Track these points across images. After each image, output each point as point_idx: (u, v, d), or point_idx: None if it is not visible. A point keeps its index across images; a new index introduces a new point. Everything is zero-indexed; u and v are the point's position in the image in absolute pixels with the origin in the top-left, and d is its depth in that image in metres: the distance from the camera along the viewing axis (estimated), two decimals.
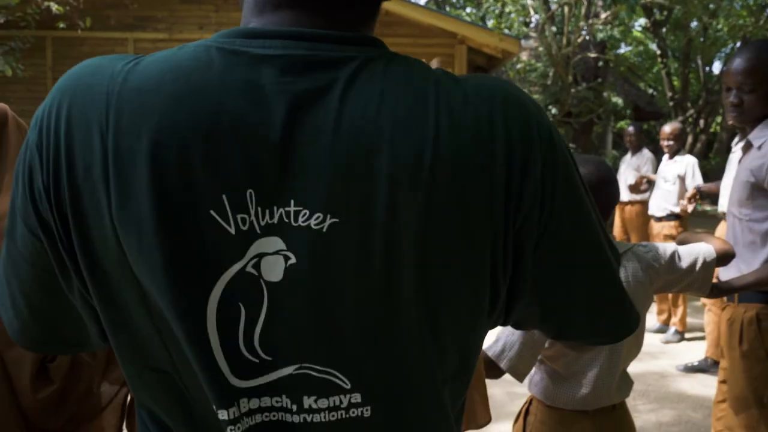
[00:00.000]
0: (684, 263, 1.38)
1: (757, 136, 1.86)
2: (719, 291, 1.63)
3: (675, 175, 4.45)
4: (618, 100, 12.83)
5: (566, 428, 1.45)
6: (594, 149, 12.65)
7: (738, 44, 14.43)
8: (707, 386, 3.50)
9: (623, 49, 15.06)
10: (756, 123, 1.88)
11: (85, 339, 0.62)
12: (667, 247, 1.44)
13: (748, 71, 1.80)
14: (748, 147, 1.91)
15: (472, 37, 8.37)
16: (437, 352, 0.57)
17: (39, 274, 0.57)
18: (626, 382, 1.48)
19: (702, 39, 14.33)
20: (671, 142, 4.57)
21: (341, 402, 0.55)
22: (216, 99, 0.51)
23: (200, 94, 0.51)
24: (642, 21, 14.46)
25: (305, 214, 0.51)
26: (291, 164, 0.51)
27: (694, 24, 13.62)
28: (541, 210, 0.56)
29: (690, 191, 4.12)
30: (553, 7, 10.81)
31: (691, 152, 12.88)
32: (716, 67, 15.66)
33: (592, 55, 11.91)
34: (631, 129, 5.90)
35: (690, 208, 4.11)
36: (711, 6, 11.29)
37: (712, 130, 14.90)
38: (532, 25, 11.69)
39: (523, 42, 9.53)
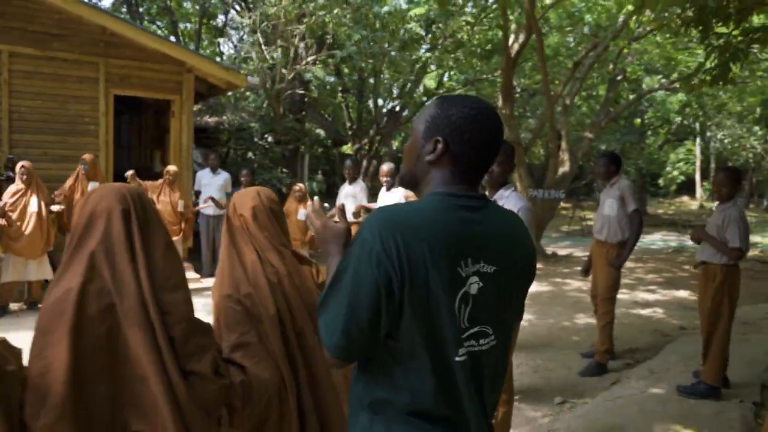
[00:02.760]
0: None
1: (499, 196, 3.14)
2: None
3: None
4: (321, 131, 14.49)
5: None
6: (300, 174, 14.12)
7: (397, 90, 17.56)
8: None
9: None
10: (497, 188, 3.17)
11: (374, 352, 1.25)
12: None
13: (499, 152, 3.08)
14: None
15: (201, 67, 8.81)
16: (514, 317, 1.40)
17: (371, 319, 1.17)
18: None
19: (372, 80, 17.03)
20: (389, 179, 5.87)
21: (490, 340, 1.28)
22: (456, 227, 1.22)
23: (451, 225, 1.22)
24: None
25: (485, 266, 1.25)
26: (481, 246, 1.24)
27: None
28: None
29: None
30: (266, 49, 11.82)
31: (365, 174, 15.26)
32: (384, 104, 18.46)
33: (300, 91, 13.37)
34: (348, 162, 6.86)
35: None
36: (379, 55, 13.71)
37: (381, 153, 17.73)
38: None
39: (249, 78, 10.33)
